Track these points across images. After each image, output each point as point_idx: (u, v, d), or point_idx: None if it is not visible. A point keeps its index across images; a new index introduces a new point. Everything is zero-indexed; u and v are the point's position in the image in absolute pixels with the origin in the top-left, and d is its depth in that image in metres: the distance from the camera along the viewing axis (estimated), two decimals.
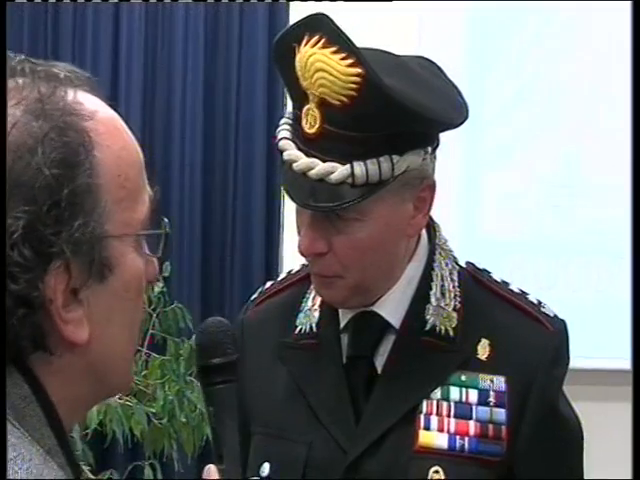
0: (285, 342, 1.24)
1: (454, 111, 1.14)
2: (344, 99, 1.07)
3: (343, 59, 1.06)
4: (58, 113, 0.71)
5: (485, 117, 3.25)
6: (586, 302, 3.35)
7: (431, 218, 1.23)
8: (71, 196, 0.70)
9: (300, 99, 1.11)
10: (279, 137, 1.15)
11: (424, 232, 1.23)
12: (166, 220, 0.82)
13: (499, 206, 3.32)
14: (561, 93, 3.30)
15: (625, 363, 3.27)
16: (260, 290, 1.35)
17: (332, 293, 1.17)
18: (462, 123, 1.15)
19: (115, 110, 0.79)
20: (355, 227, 1.11)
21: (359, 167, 1.08)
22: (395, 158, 1.10)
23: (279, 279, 1.35)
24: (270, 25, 3.15)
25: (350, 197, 1.09)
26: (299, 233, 1.16)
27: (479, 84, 3.20)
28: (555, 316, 1.21)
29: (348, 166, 1.08)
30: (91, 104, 0.75)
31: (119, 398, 2.32)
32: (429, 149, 1.14)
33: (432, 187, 1.17)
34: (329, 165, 1.09)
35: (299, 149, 1.11)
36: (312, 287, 1.25)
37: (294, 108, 1.15)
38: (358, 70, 1.06)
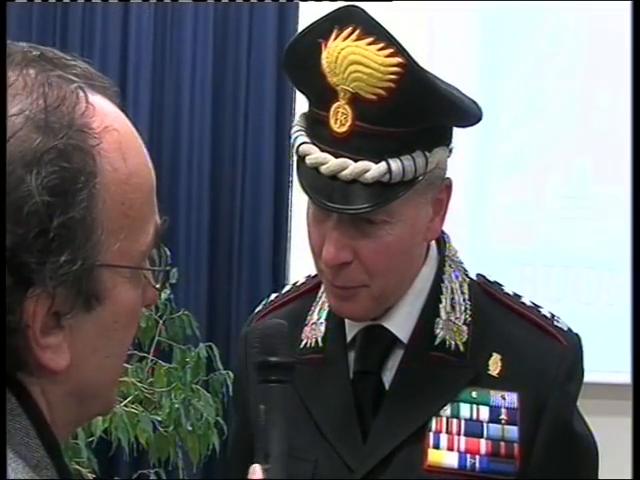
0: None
1: (476, 106, 1.14)
2: (381, 92, 1.03)
3: (381, 49, 1.03)
4: (63, 130, 0.65)
5: (496, 128, 3.22)
6: (596, 315, 3.32)
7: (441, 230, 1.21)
8: (61, 228, 0.65)
9: (326, 98, 1.06)
10: (298, 143, 1.09)
11: (433, 243, 1.19)
12: (169, 253, 0.78)
13: (509, 217, 3.29)
14: (573, 104, 3.28)
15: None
16: (264, 302, 1.32)
17: (354, 307, 1.12)
18: (480, 120, 1.14)
19: (124, 113, 0.74)
20: (384, 230, 1.08)
21: (395, 163, 1.05)
22: (427, 154, 1.07)
23: (284, 291, 1.31)
24: (280, 25, 3.14)
25: (382, 198, 1.05)
26: (315, 245, 1.11)
27: (491, 95, 3.18)
28: (569, 330, 1.18)
29: (384, 163, 1.04)
30: (101, 119, 0.68)
31: (124, 406, 2.30)
32: (451, 147, 1.13)
33: (449, 188, 1.14)
34: (363, 164, 1.04)
35: (323, 151, 1.06)
36: (318, 299, 1.22)
37: (316, 109, 1.09)
38: (399, 60, 1.02)
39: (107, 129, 0.69)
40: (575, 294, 3.34)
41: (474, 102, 1.14)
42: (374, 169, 1.04)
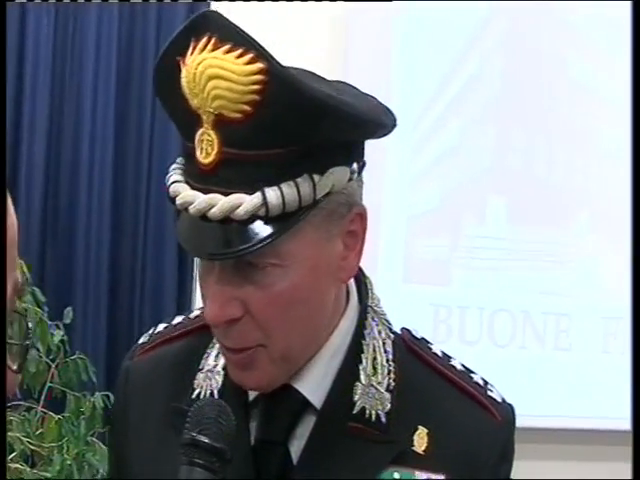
0: (179, 407, 1.00)
1: (380, 111, 0.95)
2: (246, 107, 0.86)
3: (239, 56, 0.86)
4: None
5: (412, 167, 3.17)
6: (510, 358, 3.28)
7: (362, 272, 1.03)
8: None
9: (191, 125, 0.89)
10: (169, 182, 0.92)
11: (354, 289, 1.02)
12: (30, 325, 0.61)
13: (424, 257, 3.24)
14: (489, 145, 3.25)
15: (545, 421, 3.23)
16: (150, 333, 1.12)
17: (254, 375, 0.94)
18: (392, 128, 0.95)
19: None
20: (274, 276, 0.90)
21: (273, 192, 0.87)
22: (316, 177, 0.89)
23: (174, 323, 1.11)
24: None
25: (263, 235, 0.87)
26: (204, 302, 0.94)
27: (406, 134, 3.12)
28: (503, 401, 1.04)
29: (259, 194, 0.87)
30: None
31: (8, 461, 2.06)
32: (355, 167, 0.93)
33: (363, 216, 0.96)
34: (235, 197, 0.87)
35: (194, 189, 0.90)
36: (216, 341, 1.03)
37: (185, 141, 0.93)
38: (259, 65, 0.85)
39: None
40: (489, 336, 3.30)
41: (382, 108, 0.96)
42: (247, 203, 0.87)
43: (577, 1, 3.19)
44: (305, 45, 2.99)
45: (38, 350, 2.30)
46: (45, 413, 2.28)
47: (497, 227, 3.30)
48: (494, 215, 3.30)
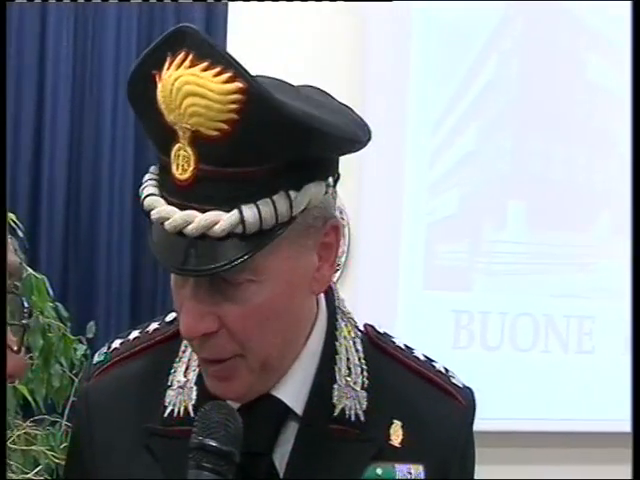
0: (152, 427, 0.98)
1: (356, 126, 0.94)
2: (223, 126, 0.85)
3: (217, 75, 0.85)
4: None
5: (432, 173, 3.17)
6: (533, 362, 3.26)
7: None
8: None
9: (167, 140, 0.88)
10: (144, 195, 0.91)
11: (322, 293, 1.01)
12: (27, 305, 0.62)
13: (444, 263, 3.23)
14: (508, 149, 3.24)
15: (571, 425, 3.22)
16: (105, 351, 1.06)
17: (233, 386, 0.93)
18: (367, 142, 0.95)
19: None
20: (249, 292, 0.89)
21: (250, 210, 0.86)
22: (292, 194, 0.88)
23: (131, 338, 1.06)
24: (207, 26, 3.02)
25: (240, 252, 0.87)
26: (178, 314, 0.93)
27: (425, 141, 3.12)
28: (464, 387, 1.07)
29: (235, 212, 0.86)
30: None
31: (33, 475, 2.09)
32: (330, 181, 0.93)
33: (337, 229, 0.95)
34: (212, 214, 0.86)
35: (170, 204, 0.89)
36: (182, 355, 1.02)
37: (160, 155, 0.92)
38: (238, 85, 0.84)
39: None
40: (512, 341, 3.29)
41: (358, 122, 0.95)
42: (224, 221, 0.86)
43: (594, 2, 3.17)
44: (323, 50, 2.98)
45: (61, 365, 2.33)
46: (69, 427, 2.29)
47: (517, 231, 3.28)
48: (514, 219, 3.28)
